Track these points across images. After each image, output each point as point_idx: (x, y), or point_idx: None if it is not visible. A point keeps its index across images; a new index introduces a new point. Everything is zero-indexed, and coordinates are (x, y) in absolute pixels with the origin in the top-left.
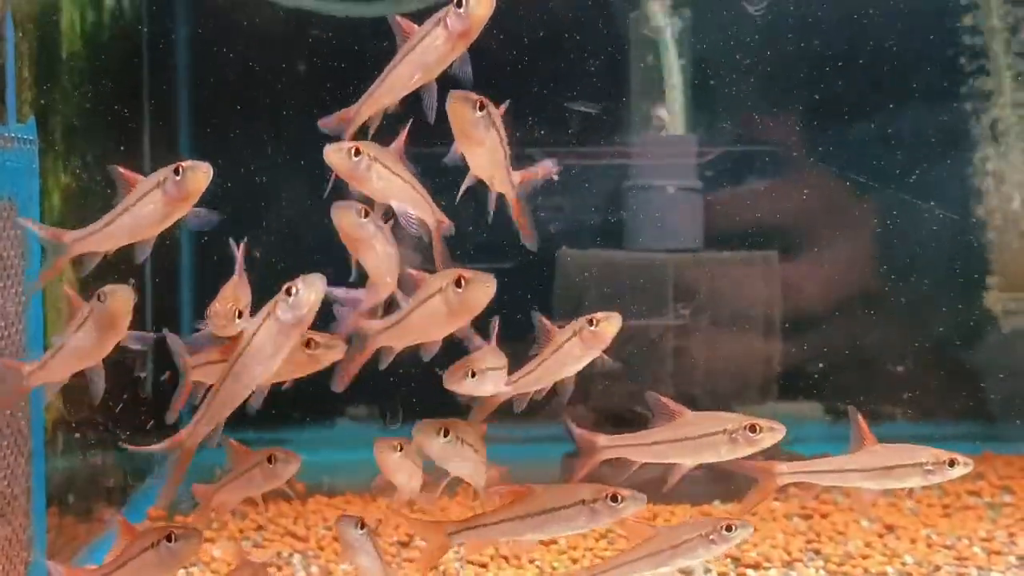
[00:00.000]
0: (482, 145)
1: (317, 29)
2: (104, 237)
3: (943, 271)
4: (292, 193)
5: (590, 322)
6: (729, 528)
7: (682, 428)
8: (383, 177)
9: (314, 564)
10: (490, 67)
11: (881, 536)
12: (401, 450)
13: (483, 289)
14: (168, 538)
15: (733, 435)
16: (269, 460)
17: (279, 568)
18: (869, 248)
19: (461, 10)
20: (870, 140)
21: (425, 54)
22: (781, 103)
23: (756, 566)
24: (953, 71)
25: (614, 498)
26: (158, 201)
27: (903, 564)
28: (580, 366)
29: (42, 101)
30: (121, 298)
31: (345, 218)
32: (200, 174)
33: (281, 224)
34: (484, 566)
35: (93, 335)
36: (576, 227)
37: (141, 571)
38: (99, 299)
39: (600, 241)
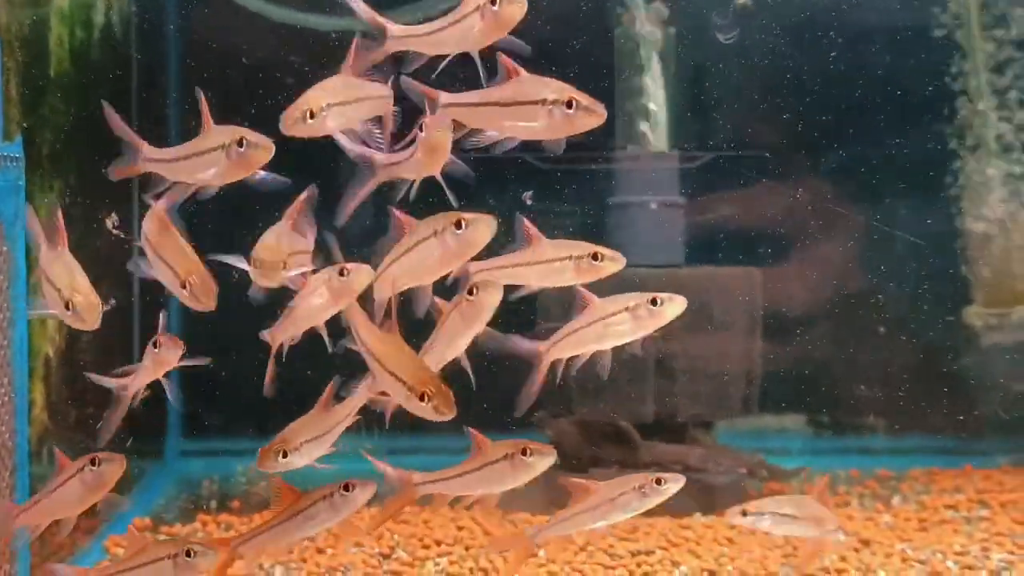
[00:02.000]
0: None
1: (309, 45)
2: None
3: (924, 286)
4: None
5: None
6: (659, 481)
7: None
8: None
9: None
10: (474, 82)
11: (857, 551)
12: None
13: (484, 228)
14: (93, 462)
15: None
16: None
17: None
18: (851, 263)
19: None
20: (851, 156)
21: None
22: (764, 119)
23: None
24: (933, 87)
25: (658, 481)
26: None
27: None
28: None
29: (30, 119)
30: None
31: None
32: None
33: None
34: None
35: None
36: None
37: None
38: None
39: None
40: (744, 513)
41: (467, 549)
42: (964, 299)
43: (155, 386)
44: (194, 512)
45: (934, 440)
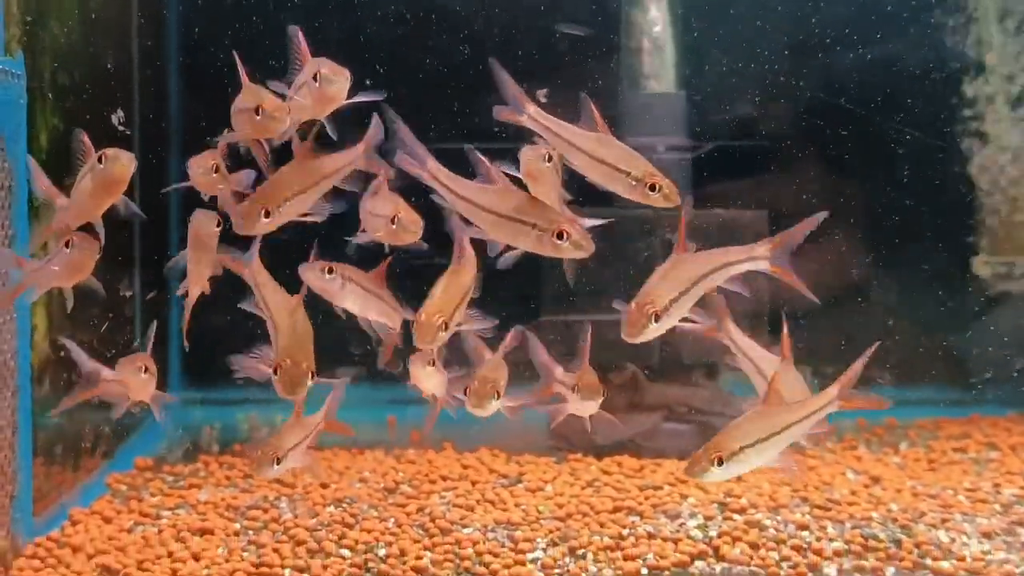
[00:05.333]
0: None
1: None
2: None
3: (931, 235)
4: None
5: None
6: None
7: None
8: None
9: (301, 506)
10: (479, 26)
11: (867, 486)
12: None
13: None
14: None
15: None
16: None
17: (265, 511)
18: (857, 211)
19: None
20: (859, 104)
21: None
22: (771, 60)
23: (742, 511)
24: (944, 36)
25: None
26: None
27: (888, 511)
28: None
29: (31, 40)
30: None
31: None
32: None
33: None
34: (471, 509)
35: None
36: (566, 185)
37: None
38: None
39: (588, 199)
40: None
41: (473, 484)
42: (972, 248)
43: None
44: (196, 454)
45: (939, 391)
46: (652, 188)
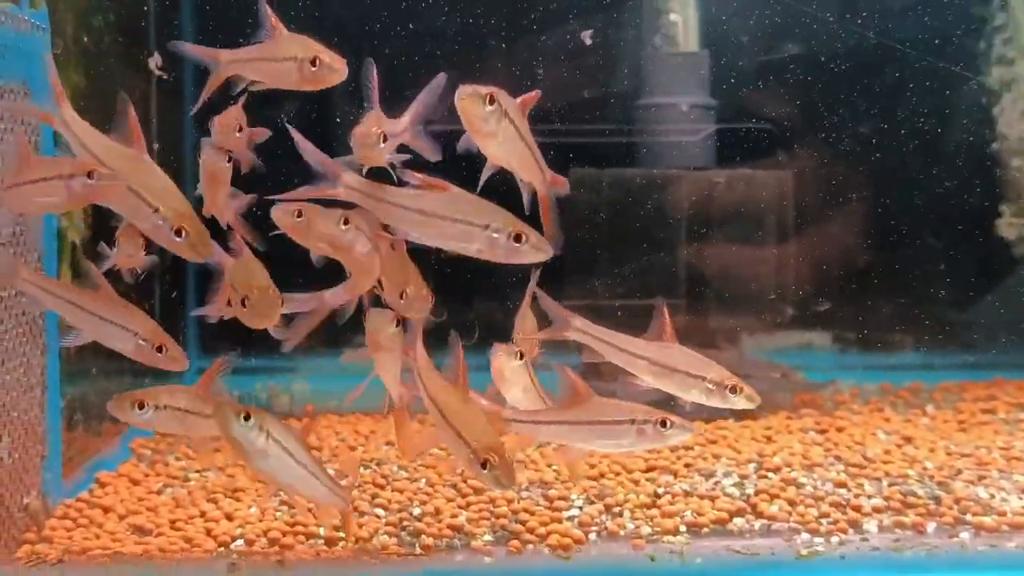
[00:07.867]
0: (494, 138)
1: None
2: None
3: (955, 196)
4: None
5: None
6: (664, 424)
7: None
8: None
9: (330, 468)
10: None
11: (899, 446)
12: None
13: None
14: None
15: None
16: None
17: None
18: (882, 173)
19: None
20: (886, 62)
21: None
22: (794, 16)
23: (777, 469)
24: None
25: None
26: None
27: (924, 468)
28: None
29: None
30: None
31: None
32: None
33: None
34: None
35: None
36: (588, 145)
37: None
38: None
39: (612, 159)
40: None
41: None
42: (996, 210)
43: (171, 303)
44: None
45: (964, 355)
46: None
